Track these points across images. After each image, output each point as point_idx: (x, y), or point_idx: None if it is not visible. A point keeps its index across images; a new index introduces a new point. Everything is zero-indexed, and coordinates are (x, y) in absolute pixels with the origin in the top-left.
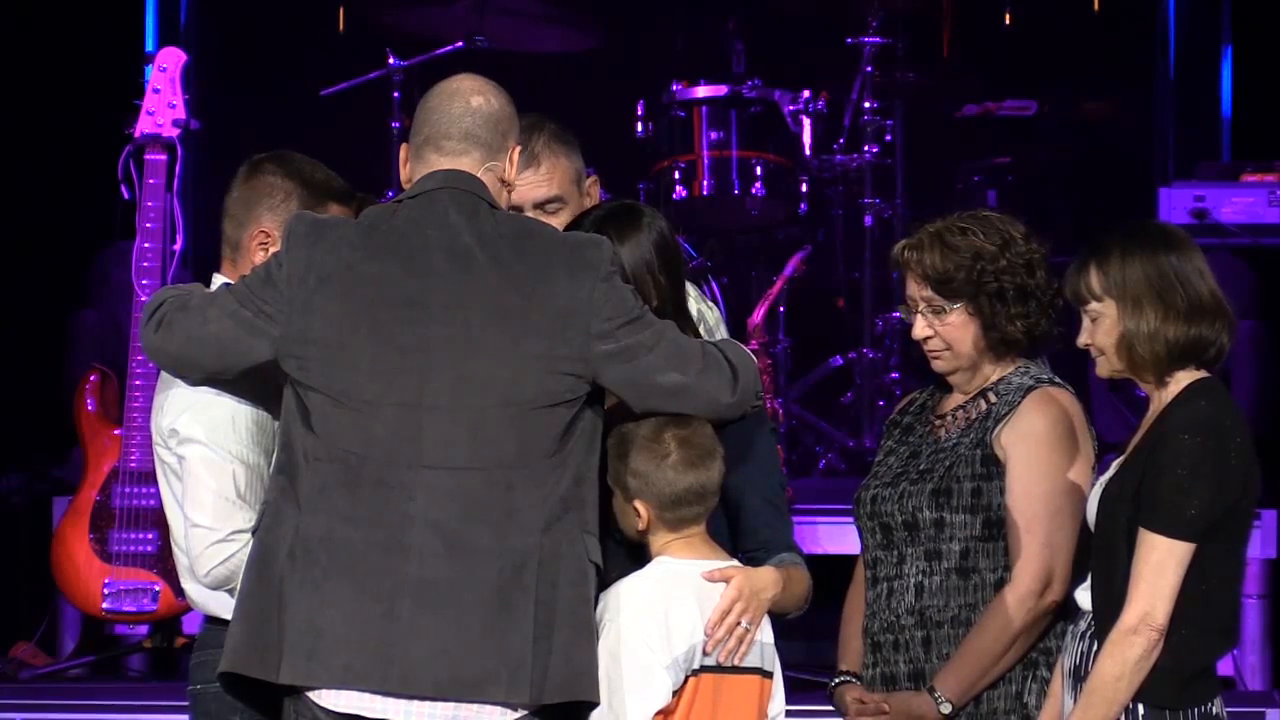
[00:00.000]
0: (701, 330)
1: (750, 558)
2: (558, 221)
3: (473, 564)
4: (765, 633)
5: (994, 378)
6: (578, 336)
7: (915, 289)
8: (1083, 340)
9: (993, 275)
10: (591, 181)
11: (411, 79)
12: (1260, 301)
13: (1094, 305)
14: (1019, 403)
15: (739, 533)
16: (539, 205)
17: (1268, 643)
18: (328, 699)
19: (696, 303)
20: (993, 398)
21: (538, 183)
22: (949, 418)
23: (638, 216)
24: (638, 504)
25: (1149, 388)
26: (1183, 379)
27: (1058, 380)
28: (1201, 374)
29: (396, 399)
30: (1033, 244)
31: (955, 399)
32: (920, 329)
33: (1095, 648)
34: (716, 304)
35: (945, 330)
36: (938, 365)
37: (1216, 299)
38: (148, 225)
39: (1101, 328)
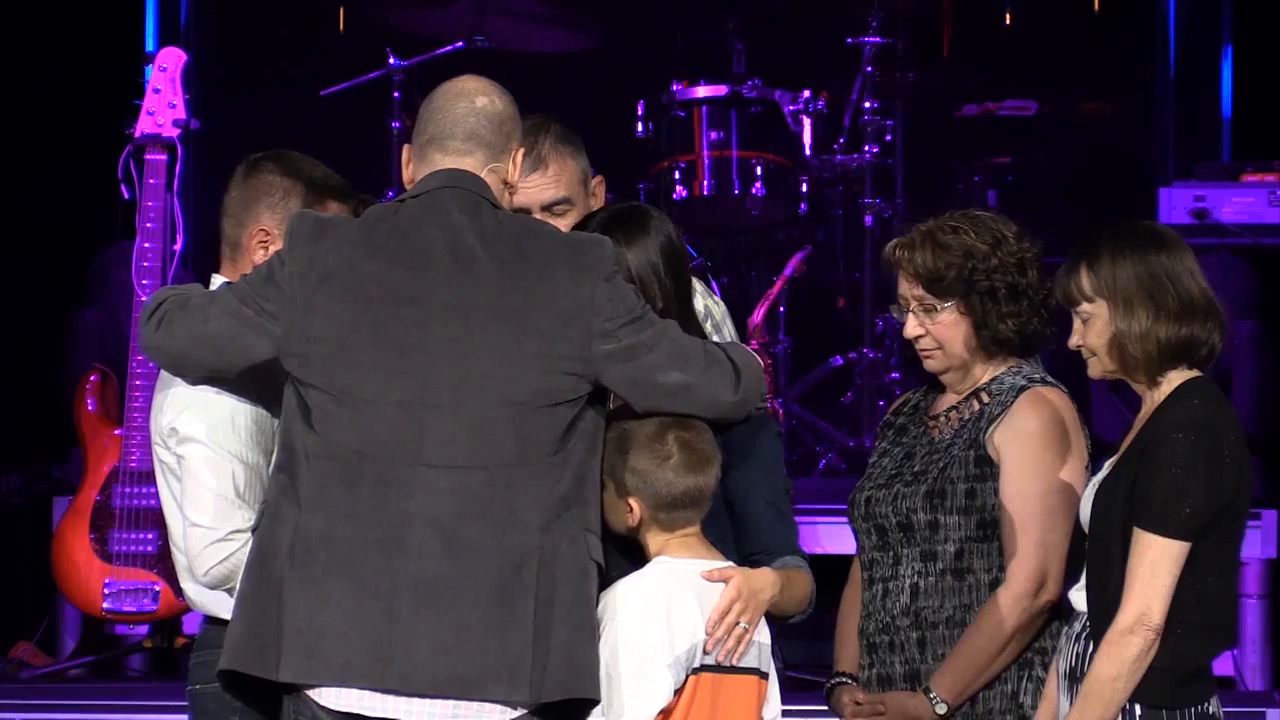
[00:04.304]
0: (708, 326)
1: (753, 561)
2: (565, 223)
3: (472, 562)
4: (763, 634)
5: (986, 377)
6: (579, 336)
7: (907, 288)
8: (1074, 341)
9: (984, 274)
10: (597, 181)
11: (411, 79)
12: (1260, 301)
13: (1085, 306)
14: (1011, 403)
15: (742, 536)
16: (547, 207)
17: (1268, 643)
18: (327, 697)
19: (703, 298)
20: (985, 398)
21: (545, 185)
22: (942, 418)
23: (644, 219)
24: (632, 501)
25: (1141, 388)
26: (1175, 379)
27: (1050, 380)
28: (1194, 373)
29: (397, 397)
30: (1024, 243)
31: (948, 399)
32: (912, 328)
33: (1091, 648)
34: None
35: (936, 329)
36: (929, 364)
37: (1208, 298)
38: (148, 225)
39: (1093, 329)
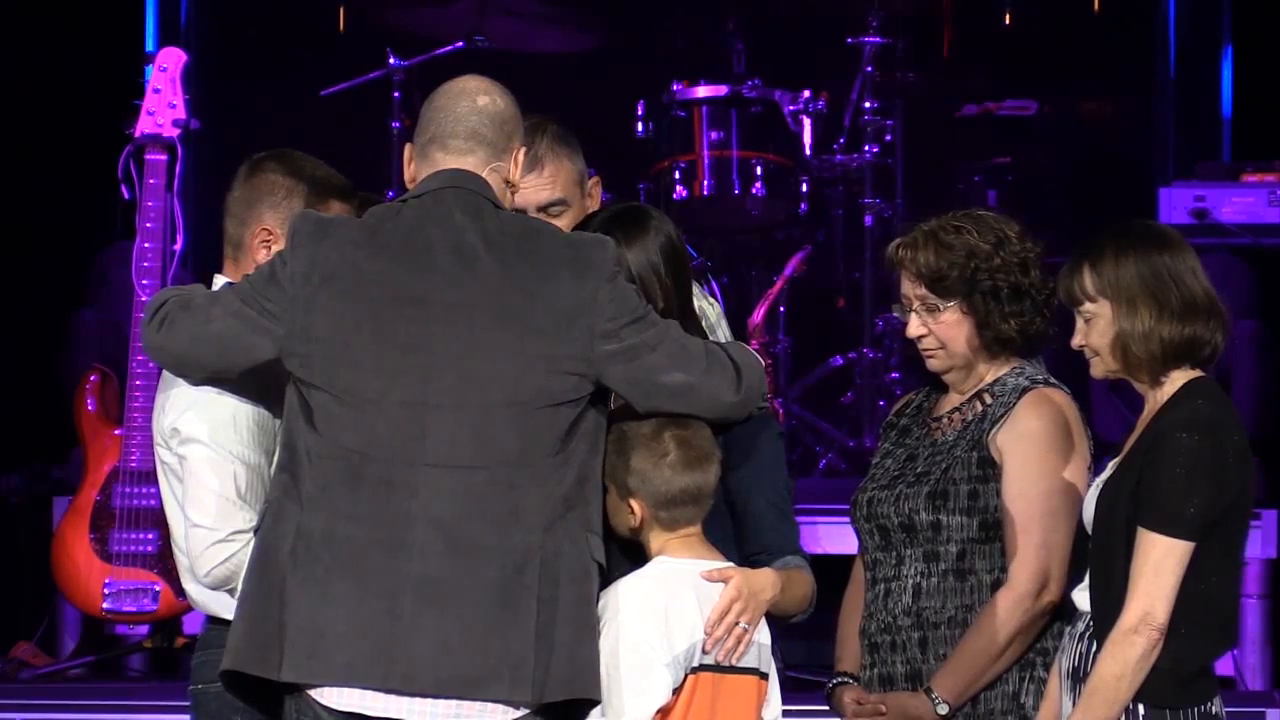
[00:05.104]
0: (703, 326)
1: (754, 561)
2: (561, 224)
3: (475, 562)
4: (763, 634)
5: (989, 378)
6: (581, 336)
7: (909, 287)
8: (1077, 341)
9: (987, 274)
10: (594, 182)
11: (411, 79)
12: (1260, 301)
13: (1088, 306)
14: (1014, 404)
15: (743, 536)
16: (543, 208)
17: (1268, 643)
18: (329, 697)
19: (698, 299)
20: (988, 399)
21: (541, 185)
22: (945, 419)
23: (645, 219)
24: (633, 501)
25: (1144, 388)
26: (1178, 379)
27: (1053, 381)
28: (1196, 373)
29: (400, 397)
30: (1027, 243)
31: (951, 400)
32: (914, 328)
33: (1094, 648)
34: (716, 302)
35: (939, 329)
36: (932, 364)
37: (1210, 298)
38: (148, 225)
39: (1096, 328)
